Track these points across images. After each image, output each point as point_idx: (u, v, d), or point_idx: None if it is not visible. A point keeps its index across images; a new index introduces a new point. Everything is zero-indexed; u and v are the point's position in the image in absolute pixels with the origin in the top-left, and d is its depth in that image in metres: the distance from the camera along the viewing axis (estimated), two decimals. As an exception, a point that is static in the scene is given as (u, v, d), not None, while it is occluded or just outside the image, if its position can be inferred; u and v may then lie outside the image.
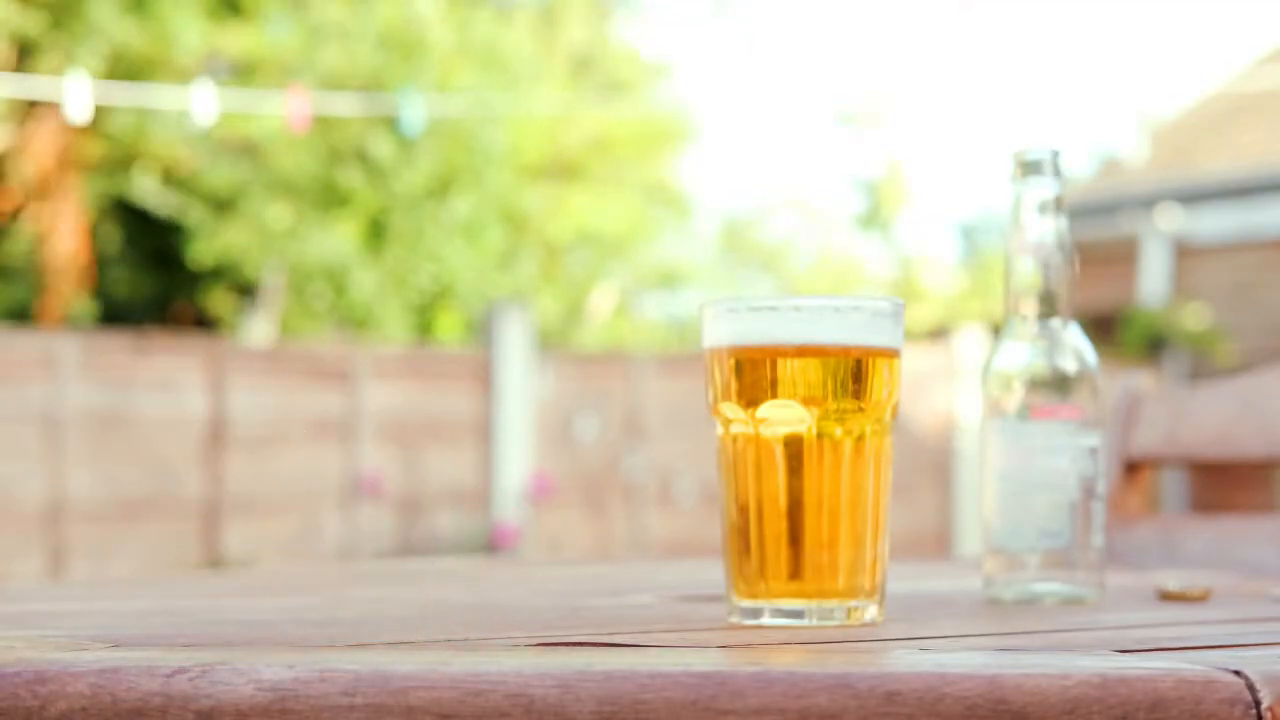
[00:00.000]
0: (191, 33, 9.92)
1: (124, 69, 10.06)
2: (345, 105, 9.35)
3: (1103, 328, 10.47)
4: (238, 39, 10.25)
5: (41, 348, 7.74)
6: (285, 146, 9.87)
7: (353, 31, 10.04)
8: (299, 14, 10.47)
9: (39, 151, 10.45)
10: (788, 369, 1.12)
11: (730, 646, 0.98)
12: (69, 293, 10.47)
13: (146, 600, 1.36)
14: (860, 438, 1.13)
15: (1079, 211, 11.20)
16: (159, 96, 9.00)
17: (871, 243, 16.01)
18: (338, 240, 9.87)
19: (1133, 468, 1.99)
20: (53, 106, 9.67)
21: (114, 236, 10.83)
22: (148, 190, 10.11)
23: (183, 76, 9.72)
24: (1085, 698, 0.82)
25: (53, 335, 7.99)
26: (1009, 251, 1.36)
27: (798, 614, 1.12)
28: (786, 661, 0.87)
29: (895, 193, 15.42)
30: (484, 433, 8.43)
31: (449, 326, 10.89)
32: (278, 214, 9.89)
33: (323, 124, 9.68)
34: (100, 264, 10.94)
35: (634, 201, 14.41)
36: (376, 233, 10.21)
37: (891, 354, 1.15)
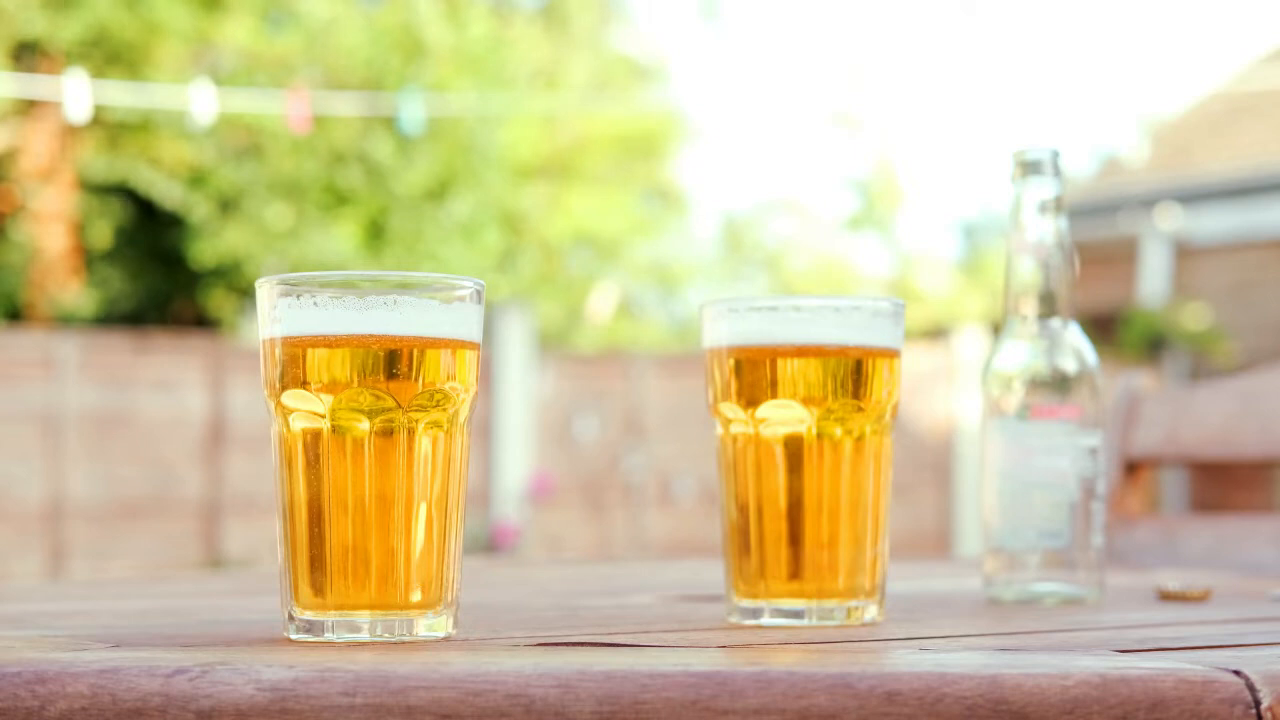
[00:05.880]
0: (181, 19, 9.93)
1: (122, 64, 10.07)
2: (345, 105, 9.35)
3: (1103, 328, 10.47)
4: (234, 34, 10.25)
5: (41, 347, 7.74)
6: (287, 147, 9.87)
7: (350, 30, 10.04)
8: (290, 7, 10.48)
9: (37, 149, 10.45)
10: (788, 369, 1.12)
11: (730, 646, 0.98)
12: (66, 290, 10.48)
13: (146, 600, 1.36)
14: (860, 438, 1.13)
15: (1079, 211, 11.20)
16: (158, 95, 9.00)
17: (870, 243, 16.02)
18: (338, 240, 9.88)
19: (1133, 468, 1.99)
20: (52, 104, 9.68)
21: (114, 236, 10.83)
22: (150, 181, 10.11)
23: (181, 76, 9.72)
24: (1085, 698, 0.82)
25: (52, 335, 7.99)
26: (1009, 251, 1.36)
27: (798, 614, 1.12)
28: (786, 661, 0.87)
29: (892, 193, 15.43)
30: (484, 432, 8.43)
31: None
32: (278, 214, 9.89)
33: (323, 124, 9.69)
34: (100, 263, 10.94)
35: (631, 201, 14.42)
36: (376, 233, 10.21)
37: (891, 354, 1.15)
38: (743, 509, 1.14)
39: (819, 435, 1.12)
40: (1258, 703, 0.83)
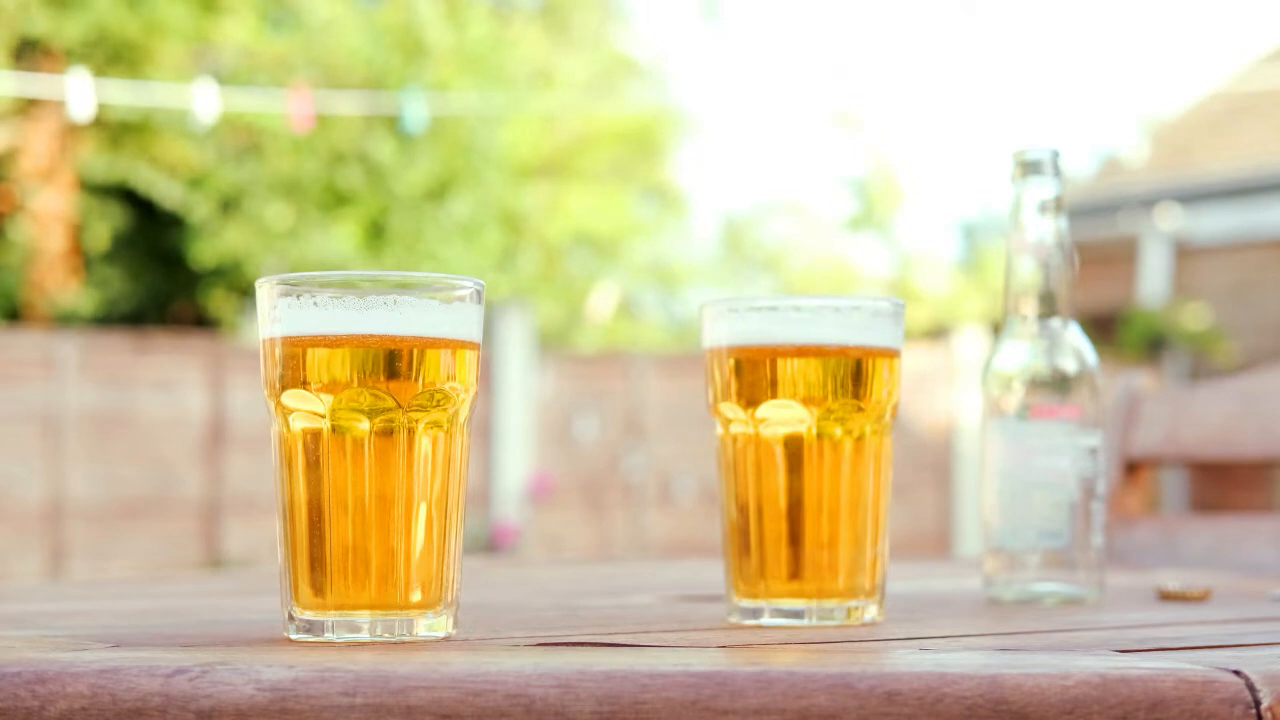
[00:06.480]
0: (182, 18, 9.94)
1: (123, 63, 10.07)
2: (346, 105, 9.35)
3: (1103, 328, 10.47)
4: (234, 33, 10.26)
5: (41, 347, 7.74)
6: (287, 147, 9.88)
7: (350, 30, 10.05)
8: (290, 6, 10.49)
9: (37, 149, 10.46)
10: (788, 369, 1.12)
11: (730, 646, 0.98)
12: (65, 291, 10.48)
13: (146, 600, 1.36)
14: (860, 438, 1.13)
15: (1079, 211, 11.20)
16: (159, 94, 9.00)
17: (870, 243, 16.02)
18: (338, 240, 9.88)
19: (1133, 468, 1.99)
20: (53, 104, 9.68)
21: (114, 236, 10.83)
22: (151, 181, 10.12)
23: (182, 75, 9.73)
24: (1085, 698, 0.82)
25: (52, 335, 7.99)
26: (1009, 251, 1.36)
27: (798, 614, 1.12)
28: (786, 661, 0.87)
29: (892, 193, 15.43)
30: (484, 432, 8.43)
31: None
32: (278, 214, 9.90)
33: (323, 124, 9.69)
34: (100, 263, 10.94)
35: (631, 201, 14.42)
36: (376, 233, 10.22)
37: (891, 354, 1.15)
38: (743, 509, 1.14)
39: (819, 435, 1.12)
40: (1258, 703, 0.83)
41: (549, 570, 1.85)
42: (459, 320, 1.03)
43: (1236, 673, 0.85)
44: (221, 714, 0.82)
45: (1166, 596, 1.32)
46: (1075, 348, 1.34)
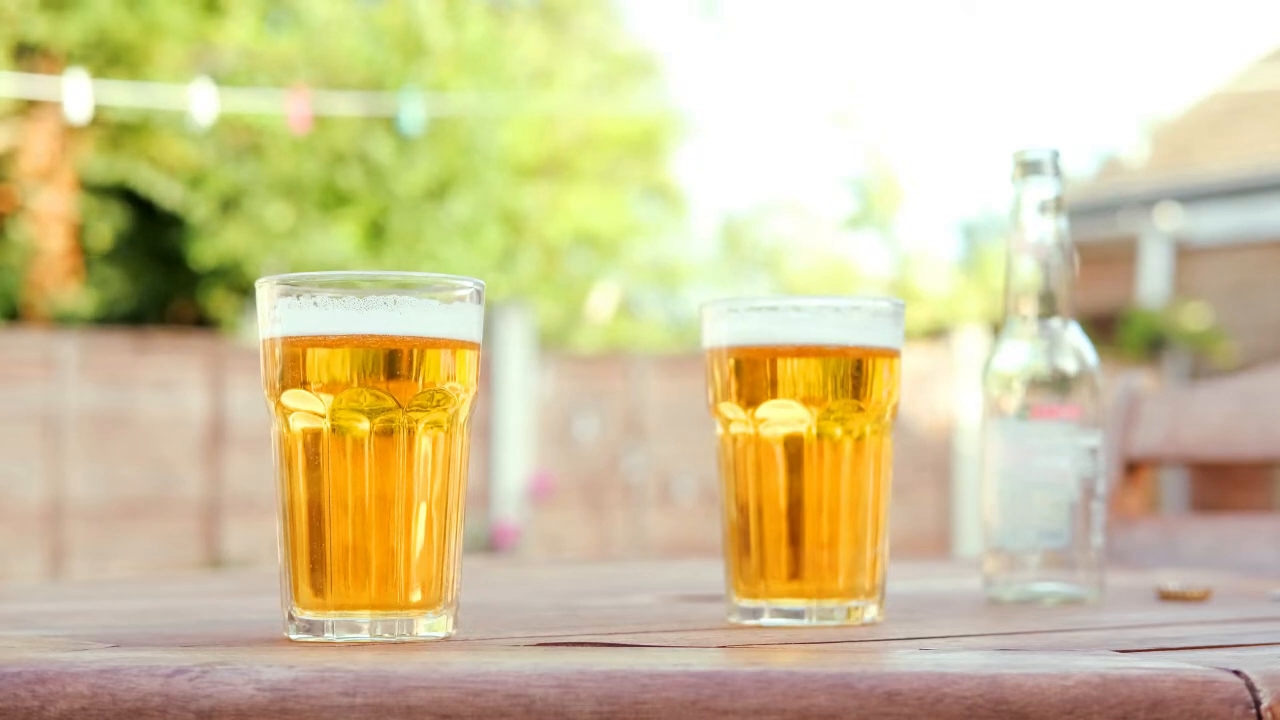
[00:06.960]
0: (181, 19, 9.95)
1: (121, 64, 10.08)
2: (345, 105, 9.35)
3: (1103, 328, 10.47)
4: (234, 34, 10.26)
5: (41, 347, 7.74)
6: (287, 147, 9.88)
7: (350, 30, 10.05)
8: (290, 6, 10.50)
9: (37, 149, 10.46)
10: (787, 369, 1.12)
11: (730, 646, 0.98)
12: (65, 291, 10.48)
13: (146, 600, 1.36)
14: (860, 438, 1.13)
15: (1079, 211, 11.20)
16: (158, 95, 9.00)
17: (870, 243, 16.02)
18: (338, 240, 9.88)
19: (1133, 468, 1.99)
20: (53, 105, 9.69)
21: (114, 236, 10.83)
22: (150, 181, 10.12)
23: (181, 76, 9.73)
24: (1085, 698, 0.82)
25: (52, 335, 7.99)
26: (1009, 251, 1.36)
27: (798, 614, 1.12)
28: (786, 661, 0.87)
29: (892, 192, 15.43)
30: (484, 432, 8.43)
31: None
32: (278, 214, 9.90)
33: (323, 124, 9.69)
34: (100, 263, 10.94)
35: (631, 201, 14.43)
36: (376, 233, 10.22)
37: (891, 354, 1.15)
38: (743, 509, 1.14)
39: (819, 435, 1.12)
40: (1258, 703, 0.83)
41: (549, 570, 1.85)
42: (459, 320, 1.03)
43: (1236, 673, 0.84)
44: (221, 714, 0.82)
45: (1166, 596, 1.32)
46: (1075, 348, 1.34)
